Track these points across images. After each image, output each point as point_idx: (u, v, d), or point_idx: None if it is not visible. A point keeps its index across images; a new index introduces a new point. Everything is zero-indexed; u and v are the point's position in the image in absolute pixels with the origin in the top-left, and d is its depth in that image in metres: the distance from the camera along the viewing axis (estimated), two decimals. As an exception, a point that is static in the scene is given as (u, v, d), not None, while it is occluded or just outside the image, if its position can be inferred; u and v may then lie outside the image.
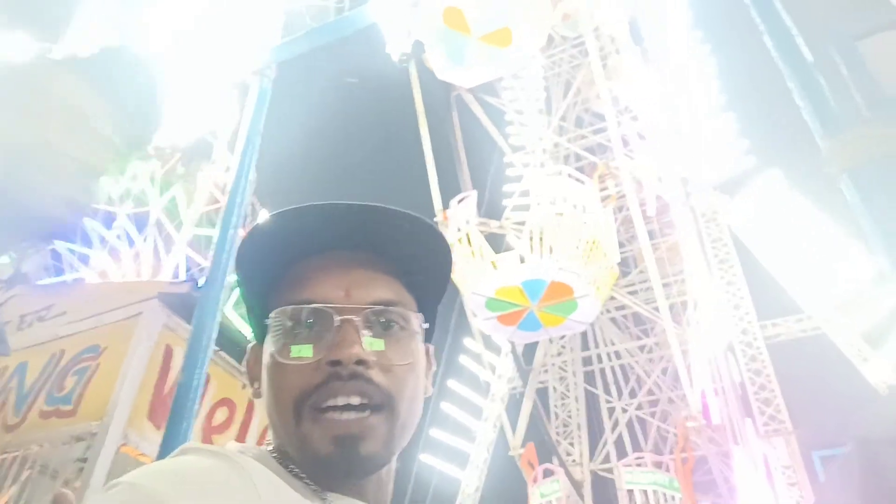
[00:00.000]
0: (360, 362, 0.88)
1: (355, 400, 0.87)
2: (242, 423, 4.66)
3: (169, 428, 3.40)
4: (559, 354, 19.61)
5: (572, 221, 13.62)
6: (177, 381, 3.74)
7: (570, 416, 18.68)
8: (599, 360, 19.02)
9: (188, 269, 12.59)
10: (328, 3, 15.48)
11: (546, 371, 19.41)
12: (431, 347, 1.05)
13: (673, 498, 14.12)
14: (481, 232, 14.37)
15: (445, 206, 15.83)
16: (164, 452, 3.31)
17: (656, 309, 15.96)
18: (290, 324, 0.92)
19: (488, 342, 18.12)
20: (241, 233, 4.42)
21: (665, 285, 16.16)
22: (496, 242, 15.01)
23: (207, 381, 3.85)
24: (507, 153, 18.96)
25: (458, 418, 18.53)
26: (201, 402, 3.77)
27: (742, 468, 14.08)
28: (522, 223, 14.63)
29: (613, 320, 18.98)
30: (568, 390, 19.12)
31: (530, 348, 19.25)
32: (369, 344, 0.90)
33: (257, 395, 0.99)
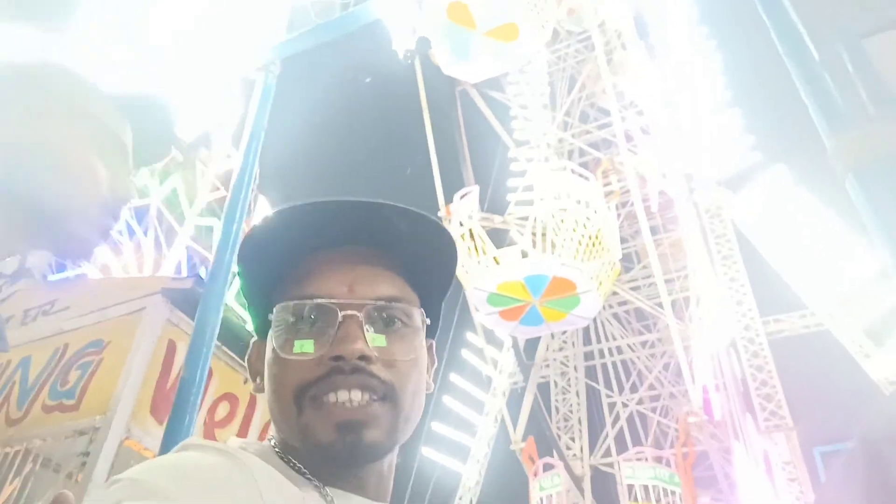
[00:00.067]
0: (363, 358, 0.88)
1: (356, 394, 0.87)
2: (244, 418, 4.66)
3: (171, 422, 3.40)
4: (561, 349, 19.64)
5: (575, 217, 13.61)
6: (179, 375, 3.74)
7: (571, 411, 18.72)
8: (601, 355, 19.05)
9: (189, 259, 12.59)
10: (333, -2, 15.46)
11: (547, 366, 19.45)
12: (433, 343, 1.05)
13: (673, 493, 14.15)
14: (484, 227, 14.39)
15: (449, 201, 15.84)
16: (166, 447, 3.31)
17: (659, 305, 15.97)
18: (292, 319, 0.92)
19: (490, 337, 18.16)
20: (245, 227, 4.42)
21: (668, 281, 16.17)
22: (499, 237, 15.03)
23: (210, 375, 3.86)
24: (511, 148, 18.96)
25: (459, 412, 18.60)
26: (204, 396, 3.77)
27: (743, 464, 14.12)
28: (526, 218, 14.64)
29: (616, 316, 18.99)
30: (569, 385, 19.15)
31: (532, 343, 19.28)
32: (372, 340, 0.90)
33: (259, 390, 0.99)
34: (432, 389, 1.03)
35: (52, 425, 4.08)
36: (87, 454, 3.68)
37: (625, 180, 16.73)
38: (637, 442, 16.90)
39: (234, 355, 4.63)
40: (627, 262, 18.59)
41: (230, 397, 4.63)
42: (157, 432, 3.75)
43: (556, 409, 18.92)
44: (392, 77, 18.79)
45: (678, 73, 18.02)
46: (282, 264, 0.97)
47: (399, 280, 0.98)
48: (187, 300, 4.27)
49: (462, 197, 14.99)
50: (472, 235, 13.89)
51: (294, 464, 0.89)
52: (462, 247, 13.51)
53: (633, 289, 18.05)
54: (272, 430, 0.98)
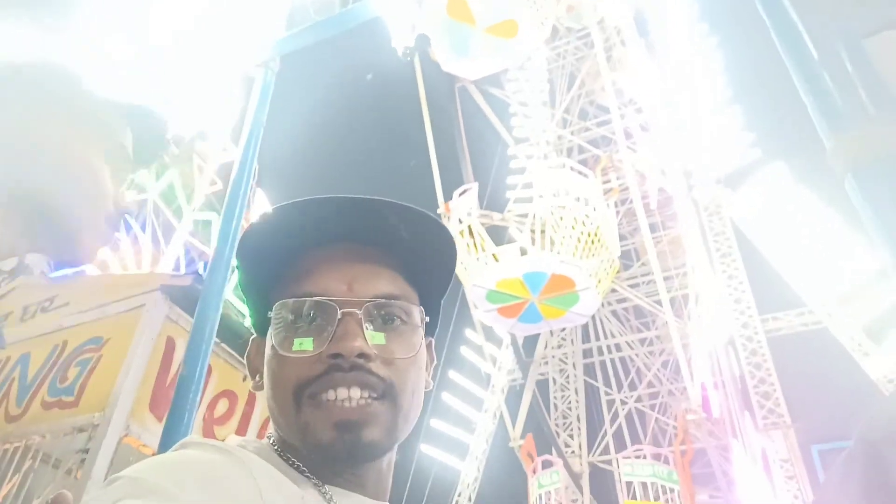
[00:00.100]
0: (362, 356, 0.88)
1: (356, 392, 0.87)
2: (243, 415, 4.66)
3: (170, 419, 3.40)
4: (560, 346, 19.65)
5: (574, 214, 13.62)
6: (178, 372, 3.74)
7: (569, 408, 18.74)
8: (600, 352, 19.06)
9: (187, 253, 12.55)
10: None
11: (546, 363, 19.46)
12: (432, 341, 1.05)
13: (671, 490, 14.17)
14: (483, 224, 14.39)
15: (448, 198, 15.84)
16: (165, 444, 3.31)
17: (658, 302, 15.98)
18: (291, 317, 0.92)
19: (489, 334, 18.16)
20: (244, 222, 4.42)
21: (667, 278, 16.18)
22: (499, 235, 15.02)
23: (209, 372, 3.86)
24: (511, 145, 18.93)
25: (458, 409, 18.61)
26: (203, 393, 3.77)
27: (741, 461, 14.13)
28: (525, 215, 14.64)
29: (614, 313, 19.00)
30: (568, 382, 19.17)
31: (531, 340, 19.30)
32: (371, 337, 0.90)
33: (258, 387, 0.99)
34: (431, 387, 1.03)
35: (52, 422, 4.08)
36: (86, 451, 3.68)
37: (624, 177, 16.72)
38: (636, 439, 16.92)
39: (233, 352, 4.63)
40: (626, 259, 18.61)
41: (229, 394, 4.63)
42: (157, 429, 3.75)
43: (555, 406, 18.94)
44: (391, 74, 18.77)
45: (678, 71, 18.00)
46: (281, 261, 0.97)
47: (398, 278, 0.98)
48: (186, 297, 4.27)
49: (461, 194, 14.99)
50: (471, 232, 13.89)
51: (293, 462, 0.89)
52: (461, 244, 13.51)
53: (631, 286, 18.06)
54: (271, 428, 0.98)
